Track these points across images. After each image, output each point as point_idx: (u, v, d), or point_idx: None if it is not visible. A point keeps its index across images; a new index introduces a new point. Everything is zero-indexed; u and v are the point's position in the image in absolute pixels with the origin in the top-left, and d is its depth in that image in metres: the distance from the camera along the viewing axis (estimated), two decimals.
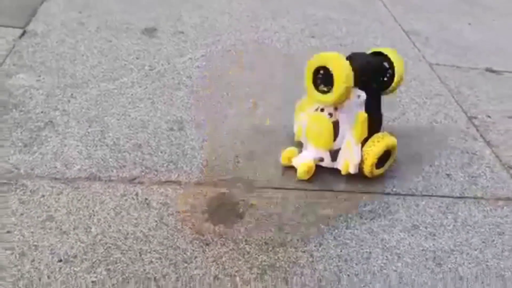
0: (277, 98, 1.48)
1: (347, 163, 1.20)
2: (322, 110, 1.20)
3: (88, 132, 1.23)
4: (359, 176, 1.21)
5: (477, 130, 1.51)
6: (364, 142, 1.20)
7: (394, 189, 1.22)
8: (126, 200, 1.05)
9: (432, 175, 1.28)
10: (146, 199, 1.06)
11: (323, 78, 1.14)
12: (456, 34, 2.13)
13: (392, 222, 1.11)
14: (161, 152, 1.19)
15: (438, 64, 1.85)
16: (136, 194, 1.06)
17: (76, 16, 1.75)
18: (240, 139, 1.29)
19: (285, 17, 2.00)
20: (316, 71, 1.15)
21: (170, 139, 1.24)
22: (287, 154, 1.23)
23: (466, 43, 2.07)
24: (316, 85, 1.16)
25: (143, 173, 1.12)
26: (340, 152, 1.21)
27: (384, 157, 1.23)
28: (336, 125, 1.20)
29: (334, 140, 1.19)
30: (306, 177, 1.19)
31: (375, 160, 1.19)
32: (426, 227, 1.12)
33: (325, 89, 1.14)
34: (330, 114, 1.20)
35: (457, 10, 2.40)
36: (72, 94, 1.36)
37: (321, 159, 1.22)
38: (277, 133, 1.33)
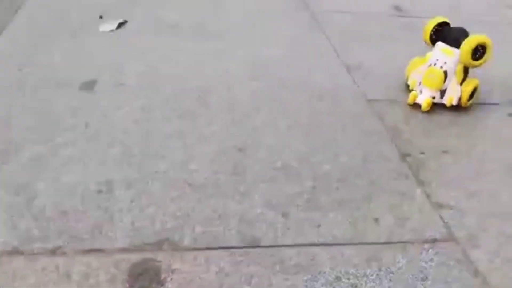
0: (213, 149, 1.51)
1: (451, 97, 1.84)
2: (434, 64, 1.85)
3: (15, 201, 1.24)
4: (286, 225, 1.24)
5: (410, 168, 1.55)
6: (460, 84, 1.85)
7: (321, 239, 1.24)
8: (46, 274, 1.05)
9: (359, 220, 1.31)
10: (67, 271, 1.06)
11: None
12: (397, 64, 2.18)
13: (315, 275, 1.14)
14: (87, 218, 1.20)
15: (377, 100, 1.90)
16: (57, 267, 1.07)
17: (16, 74, 1.77)
18: (170, 196, 1.31)
19: (229, 60, 2.04)
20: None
21: (98, 203, 1.25)
22: (412, 96, 1.84)
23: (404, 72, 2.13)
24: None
25: (66, 243, 1.13)
26: (447, 91, 1.84)
27: (473, 93, 1.87)
28: (445, 73, 1.83)
29: (444, 82, 1.83)
30: (428, 108, 1.82)
31: (468, 95, 1.84)
32: (348, 278, 1.14)
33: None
34: (441, 67, 1.84)
35: (402, 38, 2.47)
36: (3, 161, 1.37)
37: (433, 97, 1.84)
38: (209, 188, 1.35)
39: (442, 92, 1.86)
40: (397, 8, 2.85)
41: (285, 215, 1.29)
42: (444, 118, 1.82)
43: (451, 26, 1.93)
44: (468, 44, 1.80)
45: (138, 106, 1.66)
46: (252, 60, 2.05)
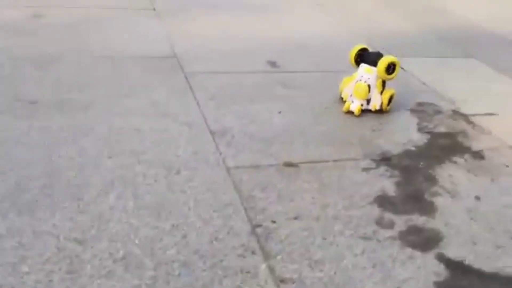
0: (50, 245, 1.43)
1: (375, 104, 2.42)
2: (360, 80, 2.41)
3: None
4: None
5: (258, 241, 1.55)
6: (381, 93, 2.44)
7: None
8: None
9: None
10: None
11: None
12: (264, 126, 2.23)
13: None
14: None
15: (237, 167, 1.91)
16: None
17: None
18: None
19: (87, 136, 1.99)
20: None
21: None
22: (347, 105, 2.40)
23: (272, 134, 2.17)
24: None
25: None
26: (371, 99, 2.41)
27: (390, 99, 2.44)
28: (369, 86, 2.39)
29: (368, 93, 2.40)
30: (360, 113, 2.38)
31: (388, 101, 2.42)
32: None
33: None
34: (365, 81, 2.39)
35: (271, 95, 2.53)
36: None
37: (362, 105, 2.40)
38: None
39: (368, 101, 2.43)
40: (273, 64, 2.95)
41: None
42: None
43: (370, 51, 2.54)
44: (382, 63, 2.39)
45: None
46: (114, 135, 2.02)
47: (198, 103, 2.36)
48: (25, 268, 1.36)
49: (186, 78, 2.61)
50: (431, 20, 4.19)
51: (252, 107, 2.40)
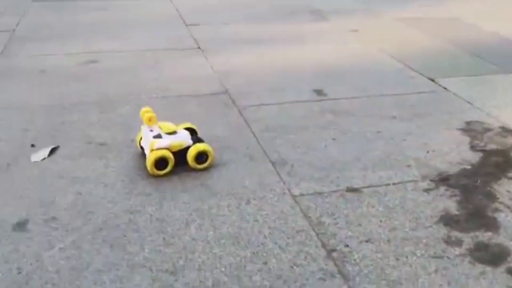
0: (145, 277, 1.55)
1: None
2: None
3: None
4: None
5: (335, 264, 1.64)
6: None
7: None
8: None
9: None
10: None
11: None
12: (320, 154, 2.33)
13: None
14: None
15: (302, 195, 2.02)
16: None
17: None
18: None
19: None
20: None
21: None
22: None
23: (329, 161, 2.27)
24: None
25: None
26: None
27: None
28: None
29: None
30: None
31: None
32: None
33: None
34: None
35: (322, 122, 2.64)
36: None
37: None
38: None
39: None
40: (319, 92, 3.06)
41: None
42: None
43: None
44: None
45: (69, 242, 1.71)
46: (183, 170, 2.15)
47: (254, 135, 2.49)
48: None
49: (239, 112, 2.75)
50: (462, 37, 4.26)
51: (305, 135, 2.51)
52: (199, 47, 3.85)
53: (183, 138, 2.17)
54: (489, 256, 1.71)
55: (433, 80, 3.31)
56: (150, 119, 2.17)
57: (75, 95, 2.90)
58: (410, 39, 4.25)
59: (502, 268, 1.64)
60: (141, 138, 2.24)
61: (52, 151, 2.26)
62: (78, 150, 2.28)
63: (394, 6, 5.40)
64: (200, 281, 1.55)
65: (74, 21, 4.50)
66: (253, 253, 1.68)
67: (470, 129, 2.62)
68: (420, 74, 3.41)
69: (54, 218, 1.82)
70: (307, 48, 3.93)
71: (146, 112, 2.19)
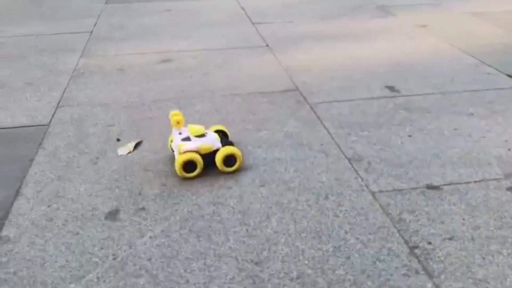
0: (231, 266, 1.61)
1: None
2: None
3: None
4: None
5: (419, 261, 1.63)
6: None
7: None
8: None
9: None
10: None
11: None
12: (396, 151, 2.32)
13: None
14: None
15: (381, 191, 2.01)
16: None
17: (45, 210, 1.93)
18: None
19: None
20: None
21: None
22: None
23: (407, 158, 2.25)
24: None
25: None
26: None
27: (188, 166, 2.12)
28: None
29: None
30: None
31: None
32: None
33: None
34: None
35: (396, 119, 2.61)
36: None
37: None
38: None
39: None
40: (391, 88, 3.03)
41: None
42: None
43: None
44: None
45: (159, 231, 1.80)
46: (260, 165, 2.20)
47: (328, 132, 2.50)
48: (215, 287, 1.55)
49: (311, 108, 2.77)
50: None
51: (380, 132, 2.49)
52: (267, 45, 3.90)
53: (211, 141, 2.16)
54: None
55: (510, 76, 3.18)
56: (178, 122, 2.15)
57: (152, 92, 3.03)
58: (482, 33, 4.10)
59: None
60: (171, 141, 2.24)
61: (137, 146, 2.39)
62: (160, 145, 2.39)
63: (463, 0, 5.23)
64: (285, 273, 1.59)
65: (143, 22, 4.67)
66: (335, 247, 1.70)
67: None
68: (497, 70, 3.29)
69: (143, 209, 1.93)
70: (375, 44, 3.89)
71: (174, 115, 2.16)
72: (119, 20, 4.76)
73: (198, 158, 2.12)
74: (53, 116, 2.73)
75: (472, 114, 2.67)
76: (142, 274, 1.60)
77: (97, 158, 2.30)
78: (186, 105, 2.82)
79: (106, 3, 5.48)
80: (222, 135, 2.28)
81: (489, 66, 3.36)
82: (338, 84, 3.12)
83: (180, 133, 2.18)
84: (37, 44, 4.05)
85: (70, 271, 1.62)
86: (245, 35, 4.21)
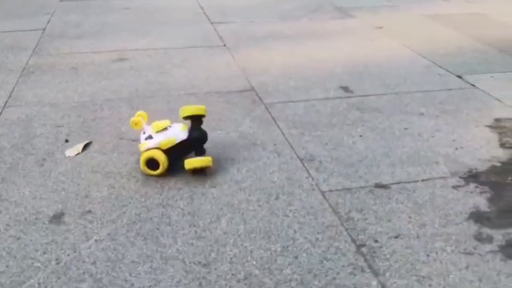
0: (178, 269, 1.59)
1: None
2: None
3: None
4: None
5: (365, 259, 1.65)
6: None
7: None
8: None
9: None
10: None
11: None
12: (348, 150, 2.34)
13: None
14: None
15: (331, 190, 2.03)
16: None
17: None
18: None
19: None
20: None
21: None
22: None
23: (357, 157, 2.28)
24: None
25: None
26: None
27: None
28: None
29: None
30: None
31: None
32: None
33: None
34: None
35: (349, 119, 2.64)
36: None
37: None
38: None
39: None
40: (345, 89, 3.06)
41: None
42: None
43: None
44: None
45: (105, 234, 1.76)
46: (214, 165, 2.18)
47: (282, 132, 2.51)
48: None
49: (266, 108, 2.77)
50: (489, 33, 4.19)
51: (333, 132, 2.52)
52: (224, 45, 3.88)
53: (174, 134, 2.11)
54: None
55: (460, 77, 3.27)
56: (136, 124, 2.12)
57: (106, 92, 2.97)
58: (436, 35, 4.20)
59: None
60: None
61: (86, 146, 2.32)
62: (110, 146, 2.34)
63: (419, 2, 5.34)
64: (232, 274, 1.58)
65: (100, 20, 4.56)
66: (284, 247, 1.70)
67: (500, 126, 2.59)
68: (447, 71, 3.37)
69: (89, 211, 1.88)
70: (332, 45, 3.92)
71: (134, 118, 2.13)
72: (75, 17, 4.63)
73: (158, 155, 2.07)
74: None
75: (422, 114, 2.73)
76: (86, 278, 1.55)
77: (44, 159, 2.23)
78: (140, 105, 2.76)
79: (61, 0, 5.33)
80: (196, 121, 2.18)
81: (440, 67, 3.44)
82: (294, 84, 3.13)
83: (143, 133, 2.14)
84: None
85: (10, 276, 1.56)
86: (203, 35, 4.17)
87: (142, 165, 2.08)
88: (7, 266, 1.60)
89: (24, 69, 3.30)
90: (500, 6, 5.16)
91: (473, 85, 3.14)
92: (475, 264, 1.63)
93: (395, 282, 1.55)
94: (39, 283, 1.53)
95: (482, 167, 2.20)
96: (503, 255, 1.67)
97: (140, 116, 2.16)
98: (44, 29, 4.24)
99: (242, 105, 2.83)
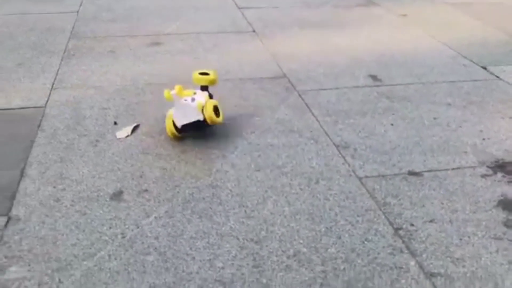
0: (233, 245, 1.75)
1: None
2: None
3: None
4: None
5: (403, 241, 1.80)
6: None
7: None
8: None
9: None
10: None
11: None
12: (380, 138, 2.48)
13: None
14: None
15: (367, 176, 2.17)
16: None
17: (51, 191, 2.02)
18: None
19: (234, 153, 2.31)
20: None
21: None
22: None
23: (390, 146, 2.41)
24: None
25: None
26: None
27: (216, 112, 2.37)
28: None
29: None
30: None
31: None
32: None
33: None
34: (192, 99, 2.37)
35: (380, 108, 2.77)
36: (59, 279, 1.60)
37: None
38: (237, 283, 1.59)
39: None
40: (374, 78, 3.18)
41: None
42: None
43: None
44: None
45: (163, 211, 1.92)
46: (255, 151, 2.33)
47: (317, 119, 2.64)
48: (219, 264, 1.68)
49: (300, 96, 2.90)
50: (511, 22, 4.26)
51: (365, 120, 2.65)
52: (253, 30, 3.99)
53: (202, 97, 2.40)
54: None
55: (485, 68, 3.37)
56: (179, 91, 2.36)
57: (145, 75, 3.10)
58: (459, 25, 4.28)
59: None
60: (172, 121, 2.36)
61: (134, 129, 2.48)
62: (157, 129, 2.49)
63: None
64: (282, 251, 1.74)
65: (129, 4, 4.66)
66: (327, 228, 1.86)
67: None
68: (472, 61, 3.47)
69: (146, 190, 2.04)
70: (358, 33, 4.01)
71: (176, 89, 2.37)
72: (106, 1, 4.75)
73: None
74: (48, 98, 2.78)
75: (450, 104, 2.85)
76: (151, 251, 1.72)
77: (97, 140, 2.38)
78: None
79: None
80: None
81: (465, 58, 3.54)
82: (324, 71, 3.25)
83: (185, 100, 2.36)
84: (23, 24, 4.04)
85: (82, 249, 1.73)
86: (232, 20, 4.27)
87: (210, 114, 2.31)
88: (77, 239, 1.77)
89: (64, 52, 3.44)
90: None
91: (497, 77, 3.24)
92: (505, 249, 1.78)
93: (431, 263, 1.71)
94: (108, 255, 1.70)
95: (508, 157, 2.33)
96: None
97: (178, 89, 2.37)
98: (77, 12, 4.36)
99: (276, 92, 2.96)
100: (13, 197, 1.98)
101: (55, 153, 2.27)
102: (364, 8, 4.75)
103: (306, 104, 2.81)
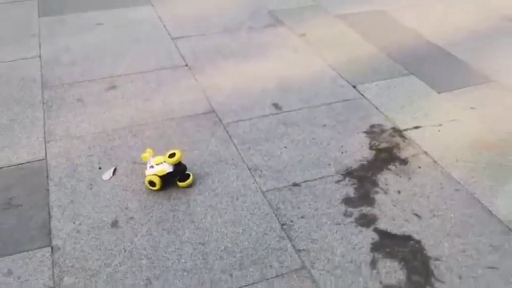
0: None
1: None
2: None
3: None
4: None
5: (285, 232, 3.16)
6: None
7: None
8: None
9: None
10: None
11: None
12: (277, 159, 3.79)
13: None
14: None
15: (268, 190, 3.49)
16: None
17: (73, 226, 3.21)
18: None
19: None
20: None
21: None
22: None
23: (283, 165, 3.73)
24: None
25: None
26: None
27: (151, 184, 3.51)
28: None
29: None
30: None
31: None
32: None
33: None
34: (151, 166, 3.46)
35: (278, 133, 4.06)
36: (95, 281, 2.84)
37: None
38: None
39: None
40: (276, 106, 4.46)
41: None
42: None
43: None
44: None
45: (145, 231, 3.17)
46: (198, 178, 3.59)
47: (237, 148, 3.91)
48: (183, 260, 2.98)
49: (225, 129, 4.14)
50: (384, 35, 5.58)
51: (268, 145, 3.94)
52: (186, 65, 5.11)
53: (164, 167, 3.41)
54: (366, 221, 3.26)
55: (355, 87, 4.72)
56: (145, 158, 3.45)
57: (111, 122, 4.21)
58: (345, 41, 5.50)
59: (371, 228, 3.20)
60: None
61: (114, 171, 3.66)
62: (129, 169, 3.69)
63: (340, 1, 6.57)
64: (218, 247, 3.06)
65: (82, 41, 5.46)
66: (243, 229, 3.19)
67: (372, 132, 4.11)
68: (347, 81, 4.81)
69: (132, 218, 3.27)
70: (266, 60, 5.11)
71: (144, 155, 3.52)
72: (61, 39, 5.47)
73: (156, 178, 3.46)
74: (46, 151, 3.88)
75: (325, 125, 4.20)
76: (142, 258, 2.99)
77: (91, 184, 3.56)
78: (138, 132, 4.08)
79: (40, 16, 6.22)
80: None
81: (343, 78, 4.88)
82: (241, 103, 4.48)
83: (149, 163, 3.50)
84: None
85: (103, 261, 2.97)
86: (169, 54, 5.28)
87: (146, 183, 3.47)
88: (98, 255, 3.01)
89: (43, 104, 4.47)
90: (401, 2, 6.46)
91: (362, 95, 4.61)
92: (341, 230, 3.19)
93: (299, 243, 3.08)
94: (119, 263, 2.95)
95: (355, 165, 3.73)
96: (357, 224, 3.23)
97: (148, 152, 3.51)
98: (40, 56, 5.28)
99: (208, 126, 4.19)
100: (49, 233, 3.16)
101: (66, 197, 3.44)
102: (271, 29, 5.85)
103: (229, 136, 4.06)
